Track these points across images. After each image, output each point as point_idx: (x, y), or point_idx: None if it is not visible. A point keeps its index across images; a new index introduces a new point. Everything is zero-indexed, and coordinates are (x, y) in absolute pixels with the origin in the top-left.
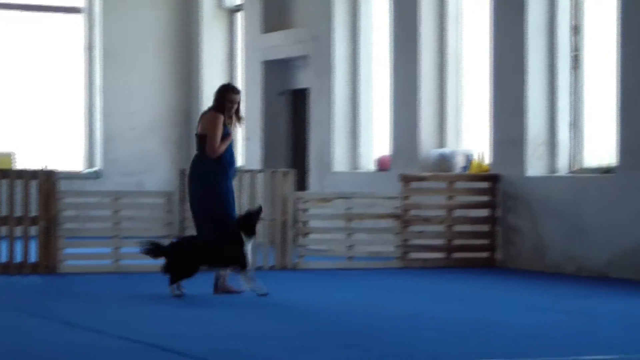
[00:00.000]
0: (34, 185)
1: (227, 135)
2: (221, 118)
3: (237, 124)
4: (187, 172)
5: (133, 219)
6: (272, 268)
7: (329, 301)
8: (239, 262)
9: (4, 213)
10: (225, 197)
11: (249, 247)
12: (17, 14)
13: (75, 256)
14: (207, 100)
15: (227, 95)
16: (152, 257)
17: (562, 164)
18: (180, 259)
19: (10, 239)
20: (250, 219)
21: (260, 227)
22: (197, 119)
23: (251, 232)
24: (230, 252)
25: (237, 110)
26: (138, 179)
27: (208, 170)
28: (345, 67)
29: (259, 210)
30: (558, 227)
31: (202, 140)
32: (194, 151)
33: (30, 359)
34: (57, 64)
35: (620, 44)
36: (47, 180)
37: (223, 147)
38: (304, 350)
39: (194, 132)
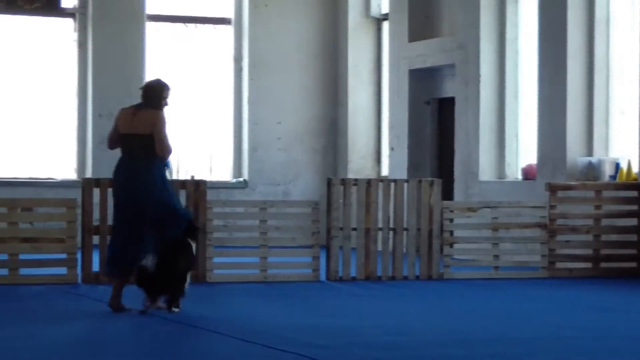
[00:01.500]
0: (182, 194)
1: None
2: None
3: None
4: (125, 177)
5: (280, 228)
6: (417, 278)
7: (475, 311)
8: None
9: None
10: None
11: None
12: (168, 25)
13: (224, 265)
14: (354, 109)
15: (166, 93)
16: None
17: None
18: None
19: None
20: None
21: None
22: (340, 128)
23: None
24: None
25: None
26: (284, 189)
27: (158, 171)
28: (492, 75)
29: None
30: None
31: (146, 140)
32: (341, 160)
33: None
34: (206, 74)
35: None
36: (195, 189)
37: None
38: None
39: (340, 140)
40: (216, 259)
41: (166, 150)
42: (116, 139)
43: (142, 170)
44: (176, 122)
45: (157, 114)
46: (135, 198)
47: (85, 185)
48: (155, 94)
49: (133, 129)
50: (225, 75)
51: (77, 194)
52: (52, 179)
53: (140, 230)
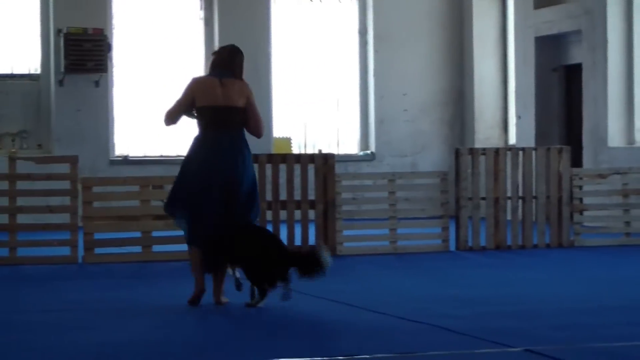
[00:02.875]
0: (311, 169)
1: None
2: None
3: None
4: (219, 153)
5: (409, 199)
6: (548, 246)
7: (608, 278)
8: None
9: (282, 197)
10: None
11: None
12: (293, 0)
13: (353, 238)
14: (480, 78)
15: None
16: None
17: None
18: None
19: (290, 222)
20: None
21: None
22: (466, 98)
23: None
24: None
25: None
26: (412, 160)
27: (249, 150)
28: (619, 40)
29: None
30: None
31: (238, 114)
32: (467, 130)
33: (315, 338)
34: (332, 49)
35: None
36: (324, 163)
37: None
38: (588, 327)
39: (466, 111)
40: (345, 232)
41: (262, 127)
42: (180, 113)
43: (237, 147)
44: (304, 95)
45: (248, 86)
46: (225, 179)
47: None
48: (241, 61)
49: (224, 100)
50: (350, 48)
51: None
52: (181, 156)
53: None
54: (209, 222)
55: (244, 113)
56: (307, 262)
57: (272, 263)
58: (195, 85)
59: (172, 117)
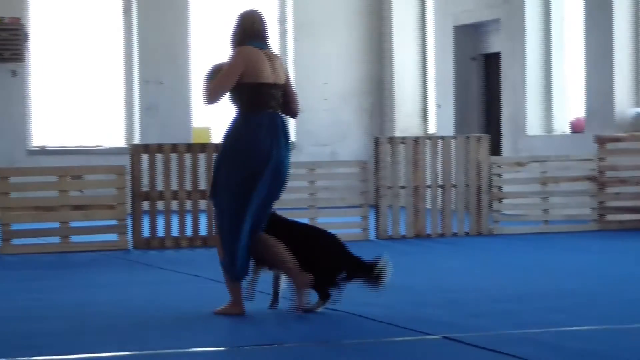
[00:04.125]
0: None
1: None
2: None
3: None
4: (274, 136)
5: (329, 189)
6: (467, 234)
7: (527, 266)
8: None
9: (202, 187)
10: None
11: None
12: None
13: None
14: (400, 67)
15: None
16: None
17: None
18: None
19: (210, 212)
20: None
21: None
22: (386, 86)
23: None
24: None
25: None
26: (332, 149)
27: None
28: (537, 29)
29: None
30: None
31: (281, 94)
32: (387, 119)
33: (237, 328)
34: None
35: None
36: None
37: None
38: (506, 314)
39: (386, 99)
40: None
41: (298, 107)
42: (228, 88)
43: (287, 132)
44: None
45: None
46: (279, 170)
47: (134, 151)
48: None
49: (273, 77)
50: (271, 37)
51: (125, 161)
52: (100, 146)
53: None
54: (253, 216)
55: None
56: (369, 270)
57: (338, 266)
58: (247, 58)
59: (218, 94)
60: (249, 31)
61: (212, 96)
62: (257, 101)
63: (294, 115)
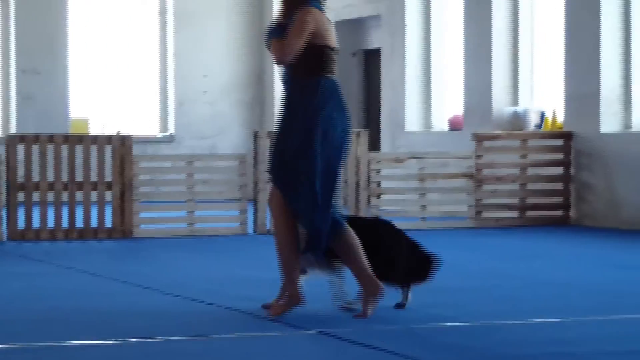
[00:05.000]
0: (108, 150)
1: None
2: None
3: None
4: (341, 107)
5: (207, 182)
6: None
7: None
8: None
9: (79, 178)
10: None
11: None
12: None
13: (150, 220)
14: None
15: None
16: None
17: (637, 120)
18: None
19: (86, 204)
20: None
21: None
22: (266, 80)
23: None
24: None
25: None
26: (212, 142)
27: None
28: (418, 26)
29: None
30: (633, 184)
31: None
32: (267, 113)
33: (109, 322)
34: (132, 27)
35: None
36: (121, 145)
37: None
38: (384, 310)
39: (266, 93)
40: (142, 214)
41: None
42: (299, 46)
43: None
44: (102, 77)
45: None
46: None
47: (10, 142)
48: None
49: (335, 42)
50: (150, 28)
51: (1, 151)
52: None
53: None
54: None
55: None
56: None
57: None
58: (316, 18)
59: (293, 51)
60: None
61: (286, 54)
62: (323, 64)
63: None
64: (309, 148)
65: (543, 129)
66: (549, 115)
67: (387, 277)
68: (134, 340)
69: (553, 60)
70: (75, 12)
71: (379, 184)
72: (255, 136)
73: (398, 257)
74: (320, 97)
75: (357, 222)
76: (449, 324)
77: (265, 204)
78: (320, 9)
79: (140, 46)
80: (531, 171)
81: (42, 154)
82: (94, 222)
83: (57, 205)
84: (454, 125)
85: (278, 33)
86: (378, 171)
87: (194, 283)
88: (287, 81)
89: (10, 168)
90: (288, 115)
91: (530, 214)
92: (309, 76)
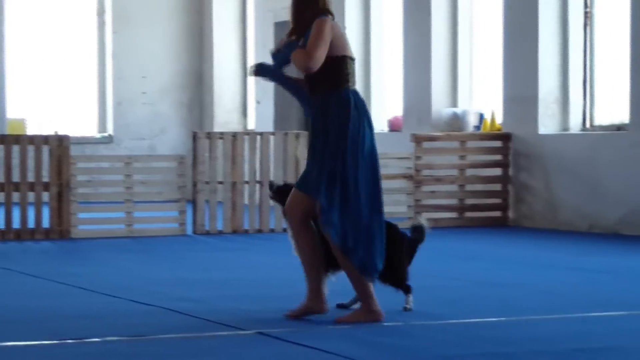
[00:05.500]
0: (46, 150)
1: None
2: None
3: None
4: (364, 115)
5: (146, 183)
6: (284, 230)
7: None
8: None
9: (16, 179)
10: None
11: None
12: None
13: (88, 221)
14: (220, 62)
15: None
16: None
17: (575, 122)
18: None
19: (23, 205)
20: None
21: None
22: (205, 81)
23: None
24: None
25: None
26: (150, 143)
27: None
28: (357, 27)
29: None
30: (570, 185)
31: None
32: (206, 114)
33: (45, 323)
34: (70, 28)
35: (631, 0)
36: (59, 145)
37: None
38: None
39: (206, 94)
40: (81, 215)
41: None
42: (324, 54)
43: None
44: (39, 77)
45: None
46: (375, 153)
47: None
48: None
49: (352, 52)
50: (88, 29)
51: None
52: None
53: None
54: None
55: None
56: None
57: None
58: (334, 29)
59: (321, 57)
60: (322, 2)
61: (313, 60)
62: (344, 75)
63: None
64: (346, 170)
65: (482, 131)
66: (487, 117)
67: (389, 280)
68: (70, 341)
69: (492, 62)
70: (11, 11)
71: None
72: (194, 137)
73: (400, 260)
74: (346, 111)
75: None
76: (387, 324)
77: (204, 204)
78: (332, 15)
79: (79, 46)
80: (470, 172)
81: None
82: (31, 223)
83: None
84: (394, 126)
85: (293, 47)
86: None
87: (132, 284)
88: (309, 97)
89: None
90: (313, 134)
91: (468, 214)
92: (331, 89)
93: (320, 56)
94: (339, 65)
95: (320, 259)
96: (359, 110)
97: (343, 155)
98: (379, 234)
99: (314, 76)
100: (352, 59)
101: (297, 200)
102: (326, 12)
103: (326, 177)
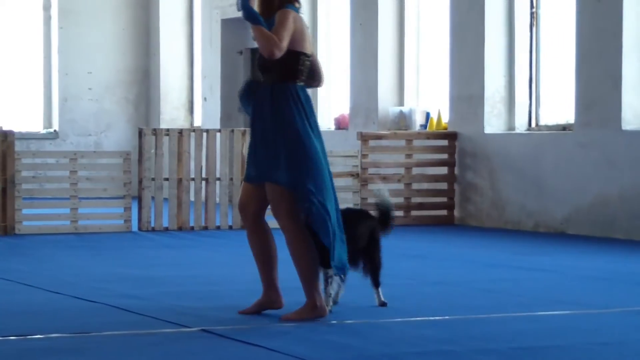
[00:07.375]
0: None
1: None
2: None
3: None
4: (311, 115)
5: (91, 179)
6: (230, 227)
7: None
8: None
9: None
10: None
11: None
12: None
13: (33, 217)
14: (166, 59)
15: None
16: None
17: (520, 121)
18: None
19: None
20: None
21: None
22: (152, 78)
23: None
24: None
25: None
26: (96, 139)
27: None
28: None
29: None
30: (516, 184)
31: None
32: (153, 111)
33: None
34: (15, 22)
35: (577, 1)
36: (3, 141)
37: None
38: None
39: (152, 91)
40: (25, 211)
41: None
42: (284, 47)
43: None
44: None
45: None
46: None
47: None
48: None
49: (311, 49)
50: (34, 23)
51: None
52: None
53: None
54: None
55: None
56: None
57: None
58: (296, 22)
59: (282, 51)
60: None
61: (277, 48)
62: (297, 71)
63: (318, 85)
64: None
65: (428, 129)
66: (434, 116)
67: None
68: (12, 338)
69: (438, 61)
70: None
71: None
72: (140, 133)
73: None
74: (293, 105)
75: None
76: (331, 322)
77: (150, 201)
78: (298, 13)
79: (24, 41)
80: (416, 171)
81: None
82: None
83: None
84: (340, 124)
85: (259, 19)
86: None
87: (76, 281)
88: (256, 85)
89: None
90: (260, 120)
91: (415, 213)
92: (281, 81)
93: (285, 47)
94: (293, 59)
95: (274, 254)
96: (305, 108)
97: (298, 138)
98: (341, 231)
99: (267, 63)
100: (308, 57)
101: (249, 195)
102: (293, 2)
103: (285, 158)
